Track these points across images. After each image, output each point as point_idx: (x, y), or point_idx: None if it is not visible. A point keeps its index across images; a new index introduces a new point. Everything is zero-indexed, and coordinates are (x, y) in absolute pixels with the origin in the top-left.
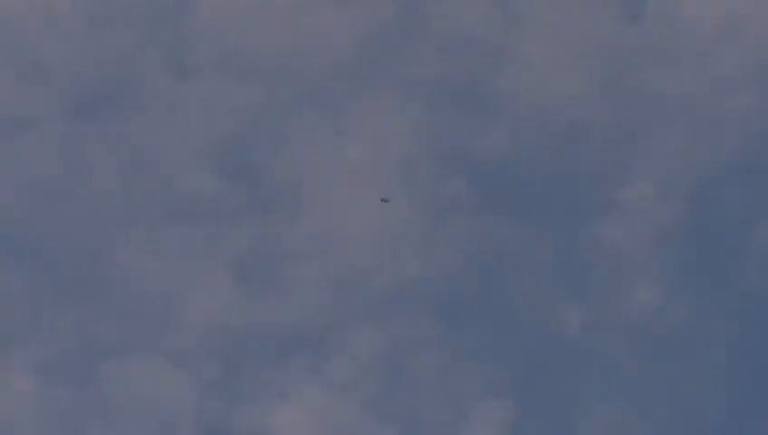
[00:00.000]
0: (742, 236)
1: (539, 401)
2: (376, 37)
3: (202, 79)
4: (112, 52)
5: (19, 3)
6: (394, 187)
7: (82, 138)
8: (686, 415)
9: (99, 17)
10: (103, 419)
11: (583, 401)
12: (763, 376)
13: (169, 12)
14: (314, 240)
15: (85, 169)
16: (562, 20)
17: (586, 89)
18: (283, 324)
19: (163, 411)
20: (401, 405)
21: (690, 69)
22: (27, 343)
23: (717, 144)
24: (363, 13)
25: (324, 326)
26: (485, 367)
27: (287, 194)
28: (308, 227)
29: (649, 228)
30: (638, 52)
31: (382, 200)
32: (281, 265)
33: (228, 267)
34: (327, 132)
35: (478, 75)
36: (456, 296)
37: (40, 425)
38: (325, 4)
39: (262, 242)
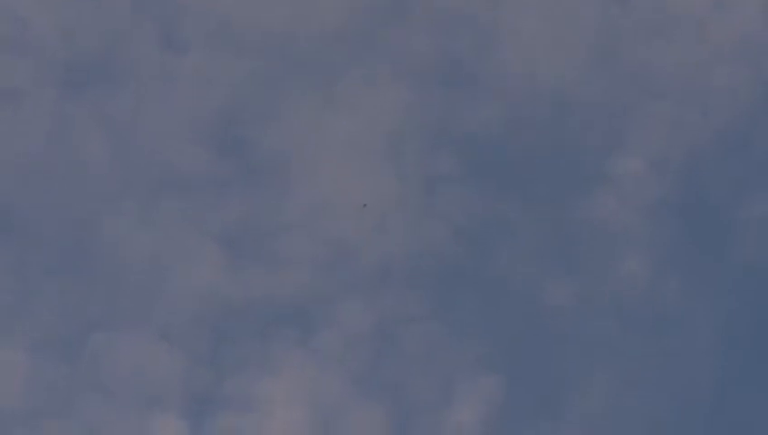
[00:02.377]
0: (733, 209)
1: (528, 377)
2: (366, 11)
3: (192, 52)
4: (101, 24)
5: None
6: (383, 160)
7: (71, 111)
8: (676, 389)
9: None
10: (93, 392)
11: (573, 375)
12: (753, 350)
13: None
14: (303, 213)
15: (73, 142)
16: None
17: (576, 63)
18: (272, 298)
19: (152, 384)
20: (389, 380)
21: (681, 42)
22: (16, 317)
23: (708, 118)
24: None
25: (312, 300)
26: (475, 342)
27: (276, 167)
28: (297, 201)
29: (640, 202)
30: (628, 26)
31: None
32: (269, 239)
33: (217, 240)
34: (317, 106)
35: (468, 49)
36: (444, 271)
37: (29, 399)
38: None
39: (251, 215)
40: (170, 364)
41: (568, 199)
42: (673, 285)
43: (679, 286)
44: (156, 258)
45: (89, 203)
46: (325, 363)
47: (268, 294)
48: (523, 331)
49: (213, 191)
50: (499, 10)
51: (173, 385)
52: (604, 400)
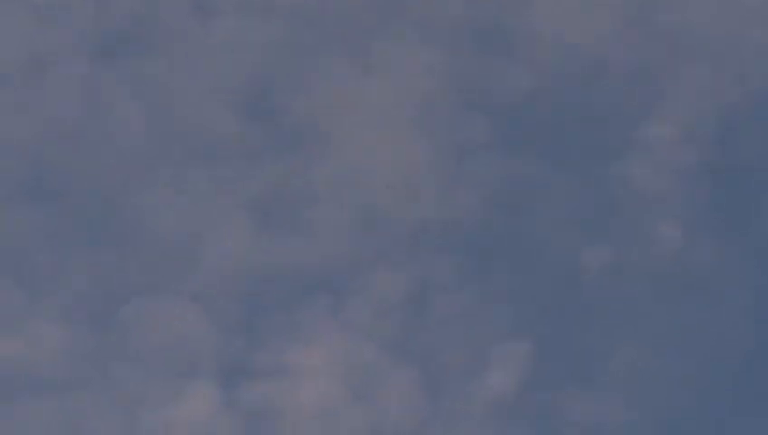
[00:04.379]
0: (767, 176)
1: (560, 343)
2: None
3: (223, 18)
4: None
5: None
6: (415, 127)
7: (102, 78)
8: (709, 357)
9: None
10: (125, 361)
11: (605, 342)
12: None
13: None
14: (334, 180)
15: (105, 109)
16: None
17: (608, 27)
18: (304, 266)
19: (185, 353)
20: (421, 347)
21: (715, 5)
22: (49, 285)
23: (743, 82)
24: None
25: (345, 268)
26: (507, 309)
27: (308, 134)
28: (328, 168)
29: (673, 168)
30: None
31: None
32: (302, 206)
33: (249, 208)
34: (348, 72)
35: (500, 15)
36: (476, 237)
37: (62, 368)
38: None
39: (283, 183)
40: (202, 333)
41: (601, 165)
42: (706, 250)
43: (713, 252)
44: (188, 226)
45: (120, 170)
46: (357, 331)
47: (300, 262)
48: (556, 297)
49: (245, 158)
50: None
51: (205, 354)
52: (637, 366)
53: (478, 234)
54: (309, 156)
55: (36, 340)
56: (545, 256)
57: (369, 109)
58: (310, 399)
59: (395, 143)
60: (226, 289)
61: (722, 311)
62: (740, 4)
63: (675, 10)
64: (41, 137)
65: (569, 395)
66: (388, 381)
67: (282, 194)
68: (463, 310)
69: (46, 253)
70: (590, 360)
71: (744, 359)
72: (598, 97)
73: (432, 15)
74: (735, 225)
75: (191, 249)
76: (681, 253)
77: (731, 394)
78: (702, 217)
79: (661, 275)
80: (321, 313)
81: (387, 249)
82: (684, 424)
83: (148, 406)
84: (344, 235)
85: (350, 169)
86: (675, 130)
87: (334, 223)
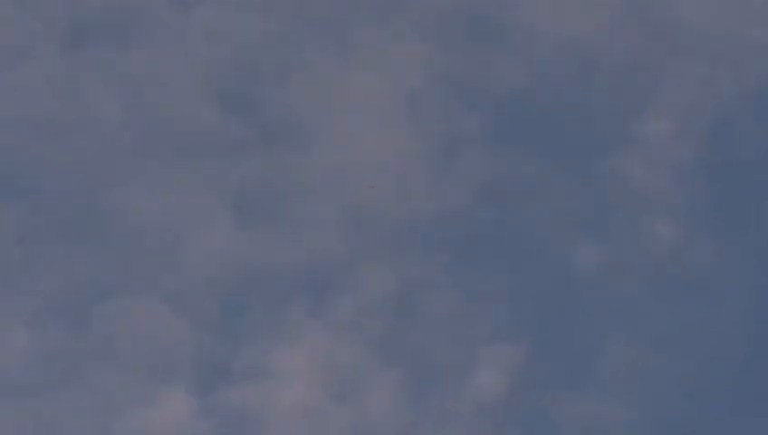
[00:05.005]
0: (765, 171)
1: (554, 344)
2: None
3: (203, 7)
4: None
5: None
6: (404, 120)
7: (78, 69)
8: (705, 357)
9: None
10: (101, 361)
11: (601, 342)
12: None
13: None
14: (320, 175)
15: (80, 102)
16: None
17: (603, 21)
18: (287, 264)
19: (161, 355)
20: (408, 347)
21: (711, 1)
22: (22, 284)
23: (740, 78)
24: None
25: (330, 266)
26: (498, 308)
27: (291, 128)
28: (314, 162)
29: (669, 164)
30: None
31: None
32: (285, 202)
33: (230, 204)
34: (334, 63)
35: (493, 8)
36: (467, 234)
37: (33, 370)
38: None
39: (265, 178)
40: (180, 335)
41: (595, 161)
42: (703, 247)
43: (710, 249)
44: (167, 223)
45: (95, 166)
46: (342, 331)
47: (283, 261)
48: (550, 296)
49: (226, 153)
50: None
51: (183, 356)
52: (634, 366)
53: (468, 231)
54: (293, 151)
55: (8, 341)
56: (538, 254)
57: (356, 103)
58: (293, 401)
59: (382, 138)
60: (205, 289)
61: (719, 309)
62: (736, 2)
63: (671, 6)
64: (12, 131)
65: (564, 396)
66: (373, 382)
67: (264, 190)
68: (452, 309)
69: (18, 251)
70: (585, 360)
71: (743, 359)
72: (592, 92)
73: (422, 7)
74: (732, 221)
75: (169, 247)
76: (677, 250)
77: (730, 394)
78: (698, 213)
79: (657, 272)
80: (304, 312)
81: (373, 247)
82: (682, 424)
83: (123, 409)
84: (329, 232)
85: (335, 164)
86: (671, 126)
87: (319, 220)
